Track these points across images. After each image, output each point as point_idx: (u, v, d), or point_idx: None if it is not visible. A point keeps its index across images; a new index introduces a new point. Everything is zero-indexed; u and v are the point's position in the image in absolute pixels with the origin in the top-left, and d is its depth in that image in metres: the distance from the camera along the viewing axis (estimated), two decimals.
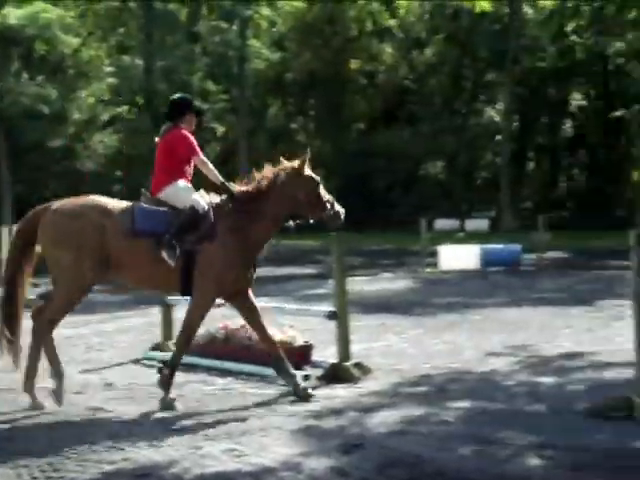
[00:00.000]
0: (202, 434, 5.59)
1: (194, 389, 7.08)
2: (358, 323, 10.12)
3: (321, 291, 14.01)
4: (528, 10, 38.44)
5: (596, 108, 41.75)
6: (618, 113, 38.25)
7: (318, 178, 6.92)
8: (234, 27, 38.17)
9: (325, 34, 40.59)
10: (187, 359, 8.18)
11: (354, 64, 42.04)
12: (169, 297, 8.83)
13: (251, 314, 6.94)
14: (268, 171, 6.90)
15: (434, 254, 19.22)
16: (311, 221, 6.92)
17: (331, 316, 7.51)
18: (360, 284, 15.82)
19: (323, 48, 40.66)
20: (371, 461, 4.92)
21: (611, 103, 40.06)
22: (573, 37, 37.73)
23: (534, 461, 4.90)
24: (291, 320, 8.78)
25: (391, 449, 5.15)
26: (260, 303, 9.33)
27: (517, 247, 19.37)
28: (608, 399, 6.00)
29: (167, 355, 8.49)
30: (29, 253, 6.76)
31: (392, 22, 41.14)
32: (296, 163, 6.88)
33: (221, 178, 6.85)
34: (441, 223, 35.62)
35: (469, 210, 42.15)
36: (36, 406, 6.39)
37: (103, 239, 6.48)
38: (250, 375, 7.52)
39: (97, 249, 6.47)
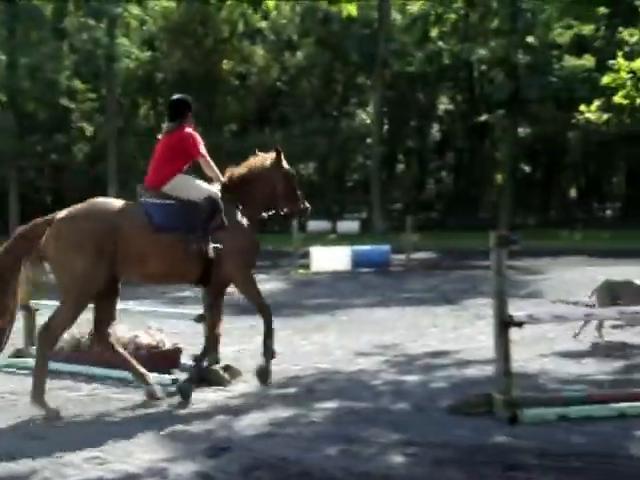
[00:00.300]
0: (64, 442, 5.43)
1: (57, 396, 6.85)
2: (228, 325, 10.06)
3: (192, 294, 13.87)
4: (397, 16, 39.35)
5: (462, 112, 43.14)
6: (483, 118, 39.72)
7: (294, 172, 7.32)
8: (102, 25, 37.32)
9: (196, 34, 40.27)
10: (51, 366, 7.95)
11: (226, 65, 41.89)
12: (32, 301, 8.55)
13: (219, 301, 7.20)
14: (252, 162, 7.24)
15: (306, 255, 19.37)
16: (282, 213, 7.31)
17: (199, 319, 7.45)
18: (231, 286, 15.75)
19: (194, 48, 40.32)
20: (237, 464, 4.90)
21: (476, 108, 41.52)
22: (440, 43, 38.91)
23: (397, 458, 5.00)
24: (160, 323, 8.64)
25: (258, 451, 5.15)
26: (127, 306, 9.19)
27: (386, 248, 19.77)
28: (470, 396, 6.20)
29: (28, 362, 8.22)
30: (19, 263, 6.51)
31: (264, 24, 41.26)
32: (273, 156, 7.23)
33: (222, 178, 7.11)
34: (313, 224, 35.96)
35: (340, 212, 42.73)
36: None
37: (119, 238, 6.43)
38: (117, 380, 7.36)
39: (114, 249, 6.42)
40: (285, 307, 12.97)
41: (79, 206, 6.62)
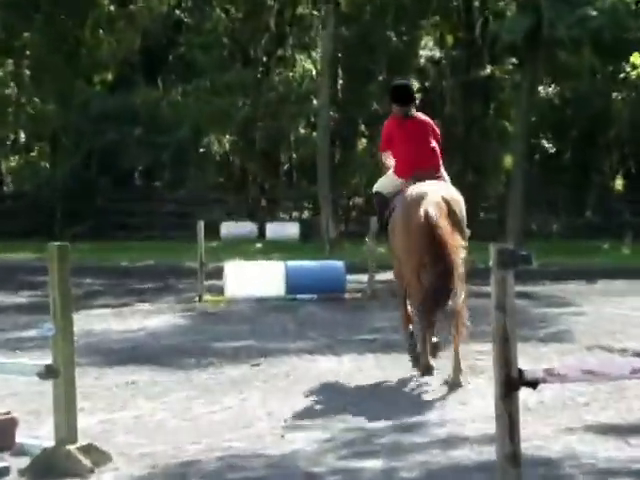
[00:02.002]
0: None
1: None
2: (93, 382, 9.98)
3: (36, 334, 13.69)
4: None
5: (455, 62, 43.41)
6: (486, 71, 40.00)
7: None
8: None
9: None
10: None
11: None
12: None
13: None
14: None
15: (218, 274, 19.30)
16: None
17: (46, 374, 7.32)
18: (101, 320, 15.67)
19: None
20: None
21: (476, 55, 41.81)
22: None
23: None
24: None
25: None
26: None
27: (338, 264, 19.76)
28: None
29: None
30: None
31: None
32: None
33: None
34: (230, 227, 36.02)
35: (272, 208, 42.64)
36: None
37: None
38: None
39: None
40: (184, 353, 12.93)
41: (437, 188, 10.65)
